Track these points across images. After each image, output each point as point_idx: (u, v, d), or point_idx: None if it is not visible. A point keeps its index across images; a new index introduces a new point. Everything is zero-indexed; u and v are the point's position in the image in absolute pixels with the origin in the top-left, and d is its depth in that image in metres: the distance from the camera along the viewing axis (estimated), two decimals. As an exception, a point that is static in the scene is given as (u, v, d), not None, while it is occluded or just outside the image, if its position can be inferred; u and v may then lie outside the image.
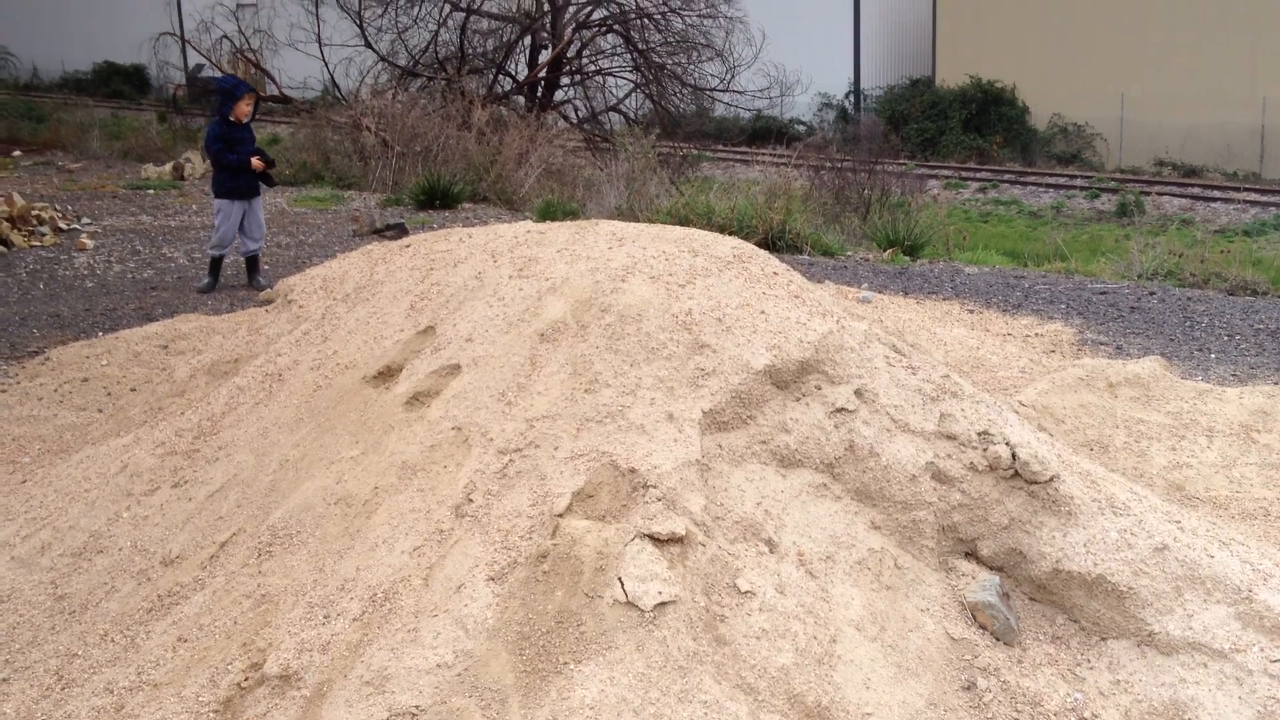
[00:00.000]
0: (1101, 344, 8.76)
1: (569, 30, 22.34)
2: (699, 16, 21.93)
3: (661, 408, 3.67)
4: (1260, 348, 8.57)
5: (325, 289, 5.31)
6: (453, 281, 4.37)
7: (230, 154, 9.66)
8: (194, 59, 28.50)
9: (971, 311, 9.68)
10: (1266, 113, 29.07)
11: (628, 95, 22.97)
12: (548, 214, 14.37)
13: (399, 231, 13.10)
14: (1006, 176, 30.09)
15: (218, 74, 29.81)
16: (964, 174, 30.79)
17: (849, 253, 12.70)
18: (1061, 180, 29.47)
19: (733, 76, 22.54)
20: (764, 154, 31.93)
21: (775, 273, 4.22)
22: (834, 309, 4.18)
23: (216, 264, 10.00)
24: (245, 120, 9.87)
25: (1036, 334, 9.09)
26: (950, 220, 27.51)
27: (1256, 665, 3.35)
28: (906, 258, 12.48)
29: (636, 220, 13.53)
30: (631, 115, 23.04)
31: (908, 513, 3.76)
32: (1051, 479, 3.75)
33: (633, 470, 3.50)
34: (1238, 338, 8.83)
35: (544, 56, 23.12)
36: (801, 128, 35.42)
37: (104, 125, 28.16)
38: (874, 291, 10.25)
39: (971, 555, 3.82)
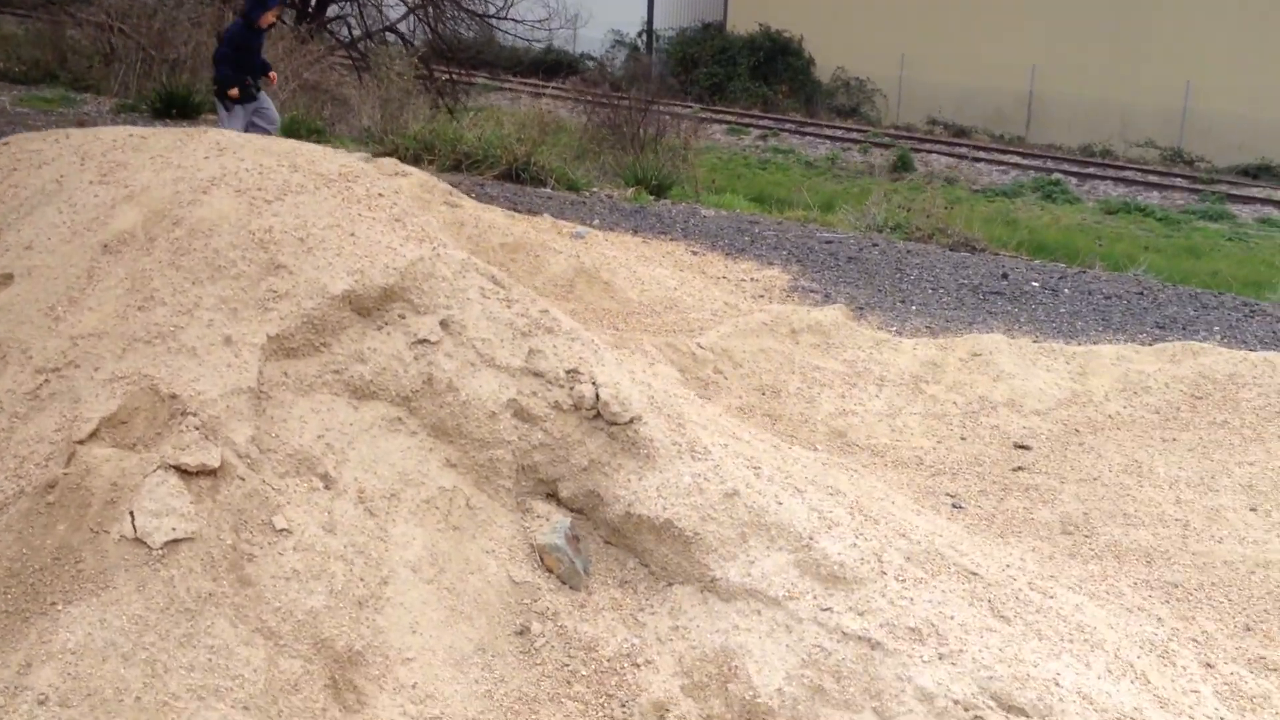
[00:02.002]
0: (811, 291, 8.83)
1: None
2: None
3: (220, 330, 3.41)
4: (960, 302, 8.77)
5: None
6: (31, 184, 4.00)
7: (230, 73, 9.35)
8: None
9: (695, 253, 9.65)
10: (1035, 80, 30.13)
11: (403, 18, 22.24)
12: (291, 132, 13.78)
13: (123, 140, 12.36)
14: (787, 126, 30.45)
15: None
16: (746, 121, 31.04)
17: (595, 189, 12.55)
18: (839, 133, 29.99)
19: (509, 4, 22.05)
20: (550, 87, 31.55)
21: (380, 194, 3.98)
22: (438, 235, 3.98)
23: None
24: (263, 25, 9.53)
25: (752, 279, 9.11)
26: (729, 165, 27.73)
27: (807, 613, 3.31)
28: (651, 197, 12.40)
29: (380, 144, 13.11)
30: (408, 38, 22.34)
31: (485, 451, 3.60)
32: (631, 420, 3.64)
33: (174, 396, 3.24)
34: (941, 291, 9.02)
35: (317, -31, 22.19)
36: (592, 64, 35.11)
37: None
38: (604, 229, 10.13)
39: (553, 497, 3.69)
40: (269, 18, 9.68)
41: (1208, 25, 28.39)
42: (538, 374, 3.70)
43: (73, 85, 15.92)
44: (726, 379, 6.51)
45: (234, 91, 9.47)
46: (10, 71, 15.61)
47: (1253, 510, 5.42)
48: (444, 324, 3.68)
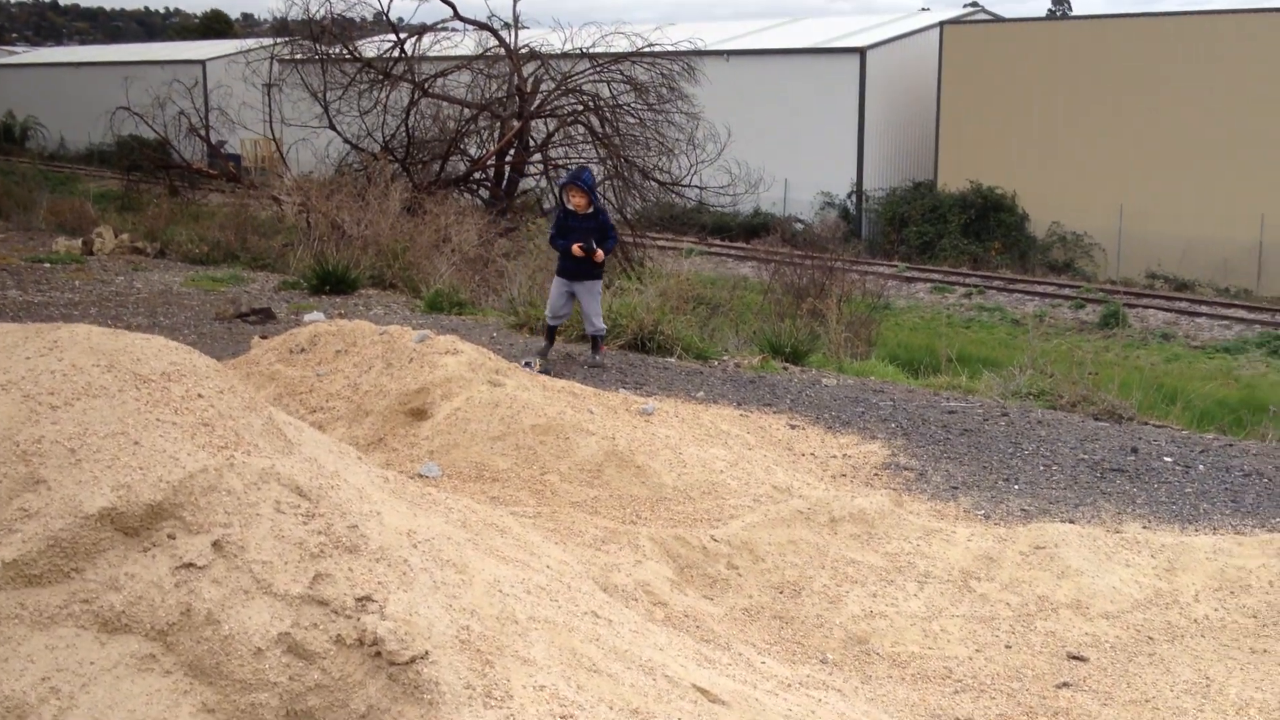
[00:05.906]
0: (906, 469, 8.06)
1: (526, 119, 22.09)
2: (653, 111, 21.64)
3: (-60, 555, 3.09)
4: (1073, 481, 7.83)
5: None
6: None
7: (559, 239, 10.09)
8: (215, 134, 28.12)
9: (793, 427, 9.01)
10: (1265, 230, 28.23)
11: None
12: (433, 305, 13.89)
13: (264, 316, 12.67)
14: (995, 283, 29.41)
15: (236, 151, 29.75)
16: (953, 279, 30.14)
17: (726, 357, 12.07)
18: (1050, 289, 28.75)
19: (695, 172, 22.15)
20: (752, 250, 31.46)
21: (200, 395, 3.63)
22: (259, 441, 3.58)
23: (548, 331, 10.65)
24: (579, 210, 9.94)
25: (845, 455, 8.40)
26: (930, 324, 26.82)
27: None
28: (783, 365, 11.84)
29: (516, 315, 13.00)
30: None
31: (247, 694, 3.12)
32: (412, 660, 3.10)
33: None
34: (1055, 469, 8.09)
35: (510, 148, 22.87)
36: (800, 225, 34.98)
37: (111, 196, 28.32)
38: (705, 402, 9.62)
39: (333, 747, 3.17)
40: (568, 196, 9.95)
41: None
42: (322, 602, 3.22)
43: (251, 264, 16.58)
44: (740, 575, 5.84)
45: (577, 248, 9.89)
46: (192, 253, 16.38)
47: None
48: (217, 544, 3.25)
